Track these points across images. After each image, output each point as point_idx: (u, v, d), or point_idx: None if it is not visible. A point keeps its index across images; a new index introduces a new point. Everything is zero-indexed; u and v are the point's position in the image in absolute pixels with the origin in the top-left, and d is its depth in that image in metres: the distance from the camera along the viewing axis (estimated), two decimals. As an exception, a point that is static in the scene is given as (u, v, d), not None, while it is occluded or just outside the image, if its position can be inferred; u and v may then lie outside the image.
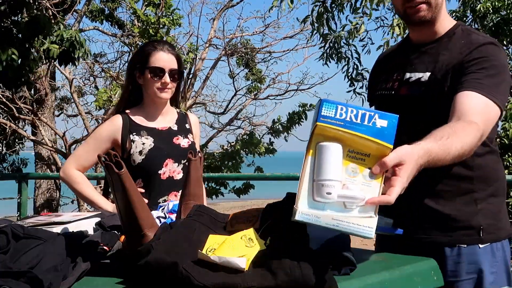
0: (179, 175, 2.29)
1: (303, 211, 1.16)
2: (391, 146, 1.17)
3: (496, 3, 7.85)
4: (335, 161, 1.17)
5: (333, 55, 7.69)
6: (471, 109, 1.50)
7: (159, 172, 2.26)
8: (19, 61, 5.10)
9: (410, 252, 1.62)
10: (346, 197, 1.15)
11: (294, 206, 1.16)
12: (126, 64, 10.67)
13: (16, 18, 5.66)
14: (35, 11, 5.69)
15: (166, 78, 2.26)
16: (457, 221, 1.63)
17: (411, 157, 1.21)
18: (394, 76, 1.77)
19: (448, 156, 1.36)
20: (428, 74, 1.66)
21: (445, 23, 1.73)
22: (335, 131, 1.17)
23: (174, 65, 2.29)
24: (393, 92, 1.74)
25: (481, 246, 1.62)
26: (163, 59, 2.27)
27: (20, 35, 5.38)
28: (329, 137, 1.18)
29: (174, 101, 2.45)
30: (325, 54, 7.77)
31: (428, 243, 1.65)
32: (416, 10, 1.66)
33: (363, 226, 1.15)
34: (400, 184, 1.16)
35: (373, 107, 1.90)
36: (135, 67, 2.31)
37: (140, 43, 8.32)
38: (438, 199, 1.65)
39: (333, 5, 7.07)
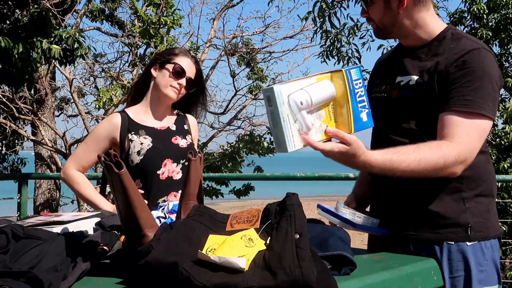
0: (178, 175, 2.29)
1: (280, 87, 1.43)
2: (352, 131, 1.51)
3: (496, 2, 7.84)
4: (324, 95, 1.48)
5: (333, 53, 7.69)
6: (454, 131, 1.56)
7: (158, 172, 2.26)
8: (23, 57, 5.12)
9: (400, 249, 1.66)
10: (304, 118, 1.44)
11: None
12: (126, 64, 10.68)
13: (20, 15, 5.68)
14: (37, 9, 5.69)
15: (183, 81, 2.32)
16: (445, 219, 1.65)
17: (357, 144, 1.48)
18: (386, 79, 1.81)
19: (401, 167, 1.54)
20: (416, 77, 1.69)
21: (431, 28, 1.74)
22: (344, 87, 1.50)
23: (193, 76, 2.36)
24: (385, 95, 1.78)
25: (469, 243, 1.63)
26: (187, 64, 2.34)
27: (24, 32, 5.40)
28: (338, 85, 1.50)
29: (189, 111, 2.49)
30: (325, 52, 7.77)
31: (416, 239, 1.67)
32: (373, 28, 1.81)
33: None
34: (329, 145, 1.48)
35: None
36: (158, 60, 2.37)
37: (140, 43, 8.32)
38: (426, 197, 1.67)
39: (334, 1, 7.05)
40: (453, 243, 1.63)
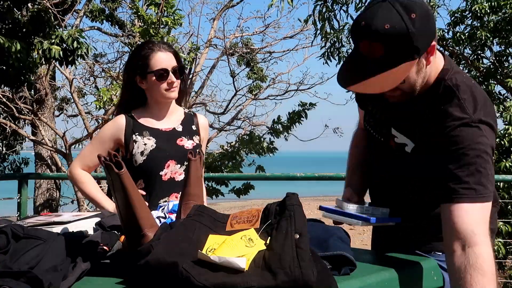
0: (180, 176, 2.28)
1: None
2: None
3: (496, 3, 7.85)
4: None
5: (334, 54, 7.69)
6: (469, 224, 1.43)
7: (161, 173, 2.26)
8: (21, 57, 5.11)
9: (402, 249, 1.67)
10: None
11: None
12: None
13: (18, 15, 5.68)
14: (36, 8, 5.70)
15: (172, 77, 2.25)
16: (433, 230, 1.65)
17: None
18: (379, 122, 1.70)
19: None
20: (412, 145, 1.61)
21: (433, 74, 1.56)
22: None
23: (174, 62, 2.28)
24: (382, 139, 1.70)
25: None
26: (163, 58, 2.25)
27: (23, 31, 5.40)
28: None
29: (179, 99, 2.42)
30: (326, 53, 7.77)
31: (412, 242, 1.69)
32: (391, 96, 1.57)
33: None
34: None
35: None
36: (135, 72, 2.28)
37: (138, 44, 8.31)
38: (417, 211, 1.68)
39: (334, 3, 7.06)
40: (441, 253, 1.64)
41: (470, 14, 8.38)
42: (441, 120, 1.51)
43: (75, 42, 5.61)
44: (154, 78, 2.24)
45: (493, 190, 1.51)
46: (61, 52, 5.55)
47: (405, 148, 1.61)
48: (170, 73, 2.25)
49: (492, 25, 8.07)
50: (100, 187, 2.50)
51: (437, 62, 1.57)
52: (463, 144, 1.47)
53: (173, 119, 2.37)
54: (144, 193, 2.20)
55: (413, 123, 1.59)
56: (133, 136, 2.27)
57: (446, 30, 8.75)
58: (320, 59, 7.99)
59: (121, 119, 2.30)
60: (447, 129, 1.49)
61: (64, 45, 5.59)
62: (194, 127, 2.40)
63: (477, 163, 1.46)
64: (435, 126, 1.52)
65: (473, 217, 1.44)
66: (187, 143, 2.33)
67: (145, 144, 2.25)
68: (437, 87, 1.56)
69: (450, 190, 1.46)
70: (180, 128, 2.36)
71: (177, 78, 2.28)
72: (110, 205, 2.20)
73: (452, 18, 8.73)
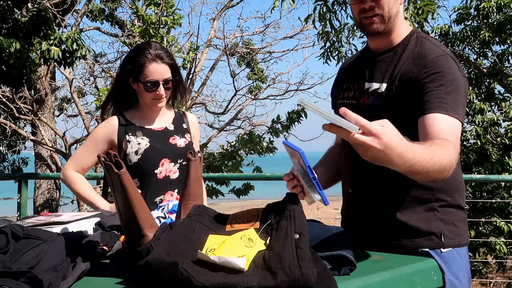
0: (175, 175, 2.30)
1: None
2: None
3: (502, 1, 7.84)
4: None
5: (334, 54, 7.68)
6: (442, 131, 1.52)
7: (155, 171, 2.27)
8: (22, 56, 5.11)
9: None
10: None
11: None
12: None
13: (19, 15, 5.69)
14: (36, 8, 5.70)
15: (161, 90, 2.25)
16: (419, 227, 1.66)
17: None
18: (354, 85, 1.80)
19: (416, 155, 1.33)
20: (384, 85, 1.68)
21: (401, 30, 1.75)
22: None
23: (168, 74, 2.26)
24: (354, 102, 1.76)
25: (443, 250, 1.65)
26: (156, 71, 2.23)
27: (22, 32, 5.41)
28: None
29: (170, 101, 2.43)
30: (326, 53, 7.76)
31: (395, 247, 1.67)
32: (370, 22, 1.71)
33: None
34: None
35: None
36: (129, 74, 2.29)
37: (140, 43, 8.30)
38: (400, 207, 1.68)
39: (335, 3, 7.04)
40: (428, 249, 1.65)
41: (476, 12, 8.36)
42: (418, 57, 1.66)
43: (74, 44, 5.62)
44: (144, 87, 2.25)
45: (462, 120, 1.60)
46: (60, 54, 5.55)
47: (378, 90, 1.70)
48: (161, 85, 2.25)
49: (495, 24, 8.06)
50: (100, 187, 2.51)
51: (407, 24, 1.80)
52: (441, 69, 1.60)
53: (164, 118, 2.40)
54: (139, 191, 2.21)
55: (387, 71, 1.71)
56: (126, 136, 2.29)
57: (450, 27, 8.76)
58: (320, 59, 7.98)
59: (114, 120, 2.32)
60: (426, 61, 1.63)
61: (63, 46, 5.60)
62: (184, 125, 2.42)
63: (453, 85, 1.59)
64: (412, 63, 1.65)
65: (445, 126, 1.53)
66: (180, 142, 2.35)
67: (139, 144, 2.28)
68: (410, 37, 1.74)
69: (427, 103, 1.57)
70: (171, 127, 2.38)
71: (167, 89, 2.29)
72: (105, 204, 2.21)
73: (456, 14, 8.73)
